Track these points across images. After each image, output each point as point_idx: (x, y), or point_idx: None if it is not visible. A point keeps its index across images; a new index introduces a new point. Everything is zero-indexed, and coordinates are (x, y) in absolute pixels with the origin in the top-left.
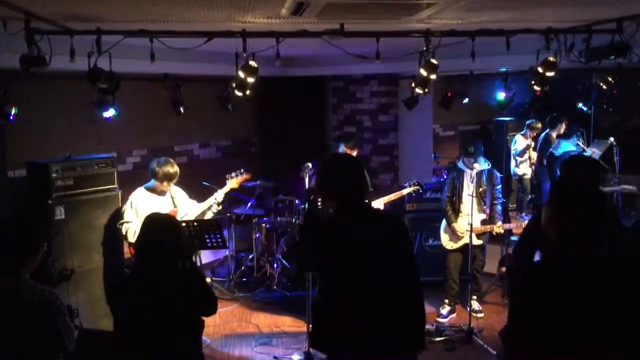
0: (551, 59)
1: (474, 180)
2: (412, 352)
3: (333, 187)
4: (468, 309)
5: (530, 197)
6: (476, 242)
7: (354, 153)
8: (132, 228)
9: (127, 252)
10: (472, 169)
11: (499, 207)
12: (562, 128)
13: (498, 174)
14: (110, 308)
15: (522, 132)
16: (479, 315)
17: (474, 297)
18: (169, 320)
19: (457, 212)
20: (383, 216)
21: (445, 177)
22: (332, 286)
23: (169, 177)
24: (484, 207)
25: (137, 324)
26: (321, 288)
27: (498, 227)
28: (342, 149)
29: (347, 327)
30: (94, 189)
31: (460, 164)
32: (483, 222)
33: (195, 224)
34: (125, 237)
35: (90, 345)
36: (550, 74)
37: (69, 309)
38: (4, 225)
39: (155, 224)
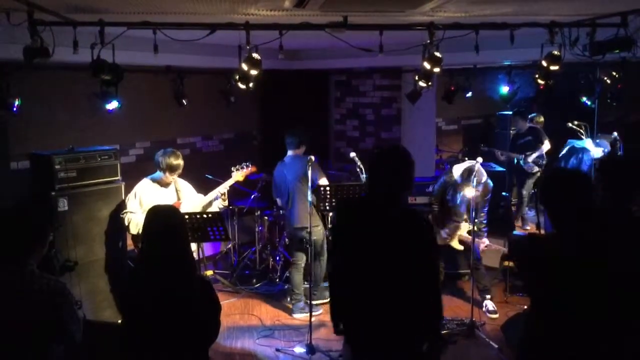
0: (556, 52)
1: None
2: (431, 345)
3: (375, 178)
4: (483, 308)
5: (533, 191)
6: (458, 246)
7: (303, 149)
8: (134, 219)
9: (129, 244)
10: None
11: (484, 219)
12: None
13: (491, 184)
14: (117, 301)
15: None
16: (494, 316)
17: (488, 296)
18: (176, 315)
19: (445, 215)
20: (406, 210)
21: (442, 177)
22: (350, 275)
23: (171, 168)
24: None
25: (143, 318)
26: (339, 276)
27: (484, 247)
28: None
29: (367, 318)
30: (97, 180)
31: (459, 180)
32: (470, 232)
33: (197, 216)
34: (128, 227)
35: (93, 336)
36: (554, 67)
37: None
38: (12, 216)
39: (159, 215)
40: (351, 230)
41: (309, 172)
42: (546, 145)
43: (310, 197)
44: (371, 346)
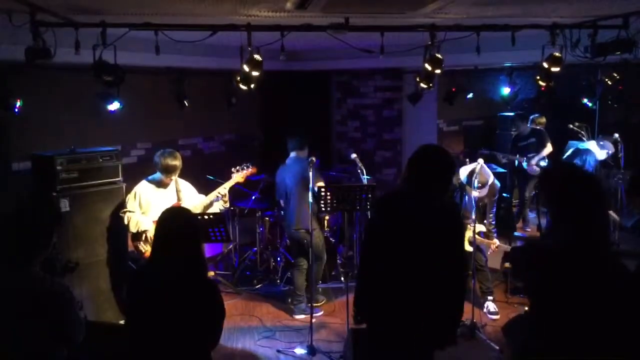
0: (557, 54)
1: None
2: (444, 346)
3: (415, 172)
4: (484, 309)
5: (534, 192)
6: (468, 248)
7: (306, 151)
8: (134, 218)
9: (130, 244)
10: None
11: (493, 220)
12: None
13: (498, 184)
14: (117, 301)
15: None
16: (495, 317)
17: (490, 297)
18: (181, 317)
19: None
20: (443, 206)
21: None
22: (381, 265)
23: (167, 169)
24: (485, 220)
25: (148, 318)
26: (373, 269)
27: (495, 247)
28: (295, 154)
29: (396, 309)
30: (98, 181)
31: (465, 181)
32: (479, 233)
33: (198, 217)
34: (127, 226)
35: (94, 337)
36: (555, 69)
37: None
38: (17, 217)
39: (174, 217)
40: (391, 225)
41: (309, 174)
42: (548, 148)
43: (311, 199)
44: (394, 337)
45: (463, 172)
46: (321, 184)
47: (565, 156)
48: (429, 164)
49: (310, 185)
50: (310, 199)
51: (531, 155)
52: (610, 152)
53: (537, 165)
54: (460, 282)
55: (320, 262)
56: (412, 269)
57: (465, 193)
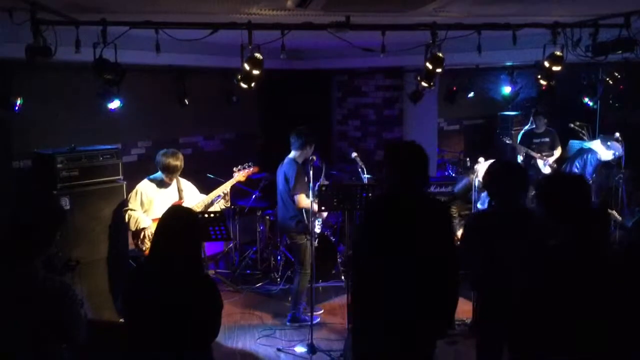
0: (558, 53)
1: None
2: (442, 336)
3: (398, 171)
4: None
5: (533, 192)
6: None
7: (307, 151)
8: (134, 216)
9: (130, 243)
10: None
11: None
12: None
13: None
14: (115, 300)
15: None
16: None
17: None
18: (179, 314)
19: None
20: (433, 201)
21: (462, 179)
22: (374, 262)
23: (168, 169)
24: None
25: (147, 315)
26: (361, 264)
27: None
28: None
29: (386, 304)
30: (98, 180)
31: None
32: None
33: (199, 215)
34: (128, 224)
35: (95, 335)
36: (556, 68)
37: None
38: (19, 215)
39: (177, 215)
40: (384, 226)
41: (310, 173)
42: (559, 150)
43: (309, 200)
44: (393, 336)
45: (482, 171)
46: (303, 199)
47: (570, 155)
48: (412, 161)
49: (311, 185)
50: (312, 199)
51: (546, 154)
52: (617, 153)
53: (551, 166)
54: (454, 273)
55: (303, 272)
56: (408, 268)
57: (482, 192)
